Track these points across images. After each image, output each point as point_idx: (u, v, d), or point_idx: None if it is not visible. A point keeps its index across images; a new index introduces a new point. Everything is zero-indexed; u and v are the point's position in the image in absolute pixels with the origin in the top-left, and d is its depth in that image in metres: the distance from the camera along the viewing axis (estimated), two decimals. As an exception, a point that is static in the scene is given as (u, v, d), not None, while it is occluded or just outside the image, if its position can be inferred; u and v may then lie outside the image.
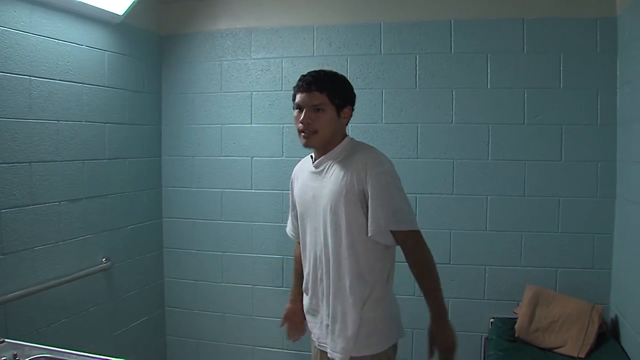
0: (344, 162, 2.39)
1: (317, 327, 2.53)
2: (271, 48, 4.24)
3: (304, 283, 2.62)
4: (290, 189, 2.73)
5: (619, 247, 3.73)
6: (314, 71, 2.44)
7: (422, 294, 2.46)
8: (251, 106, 4.27)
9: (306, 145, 2.41)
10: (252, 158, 4.28)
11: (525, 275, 3.89)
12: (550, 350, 3.49)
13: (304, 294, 2.64)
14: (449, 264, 3.99)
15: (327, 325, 2.44)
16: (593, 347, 3.40)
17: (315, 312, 2.54)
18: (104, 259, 3.84)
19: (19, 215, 3.13)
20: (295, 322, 2.82)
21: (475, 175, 3.93)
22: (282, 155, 4.21)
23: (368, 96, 4.04)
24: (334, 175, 2.39)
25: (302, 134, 2.38)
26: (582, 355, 3.36)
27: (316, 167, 2.46)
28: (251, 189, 4.28)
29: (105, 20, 3.80)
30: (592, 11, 3.77)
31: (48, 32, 3.33)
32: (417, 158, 4.00)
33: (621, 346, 3.45)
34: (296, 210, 2.63)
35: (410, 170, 3.99)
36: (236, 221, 4.32)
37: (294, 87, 2.46)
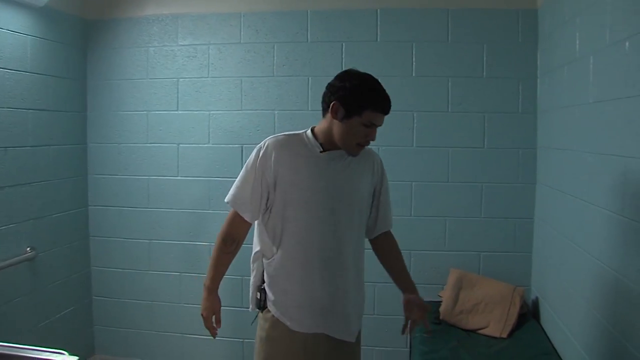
0: (357, 158, 2.50)
1: (298, 312, 2.47)
2: (198, 34, 4.21)
3: (285, 268, 2.46)
4: (263, 167, 2.41)
5: (539, 231, 3.84)
6: (383, 90, 2.44)
7: (398, 275, 2.73)
8: (178, 93, 4.23)
9: (355, 155, 2.47)
10: (178, 145, 4.25)
11: (449, 259, 3.98)
12: (473, 331, 3.59)
13: (280, 281, 2.49)
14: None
15: (335, 312, 2.48)
16: (515, 328, 3.52)
17: (311, 299, 2.46)
18: (28, 248, 3.77)
19: (-61, 205, 3.04)
20: (218, 316, 2.62)
21: (400, 161, 3.98)
22: (209, 142, 4.19)
23: (294, 83, 4.05)
24: (350, 166, 2.48)
25: (359, 146, 2.43)
26: (504, 336, 3.46)
27: (329, 156, 2.44)
28: (177, 176, 4.24)
29: (28, 4, 3.68)
30: (515, 3, 3.87)
31: (-34, 16, 3.23)
32: (343, 145, 4.02)
33: (541, 326, 3.58)
34: (267, 190, 2.43)
35: (336, 157, 4.02)
36: (163, 208, 4.28)
37: (365, 101, 2.37)
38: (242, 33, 4.14)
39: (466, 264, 3.96)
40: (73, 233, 4.30)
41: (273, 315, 2.48)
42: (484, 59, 3.91)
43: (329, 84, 2.44)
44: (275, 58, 4.09)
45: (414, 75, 3.97)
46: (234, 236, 2.49)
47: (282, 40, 4.09)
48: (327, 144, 2.44)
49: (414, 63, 3.97)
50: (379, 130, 3.84)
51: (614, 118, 2.46)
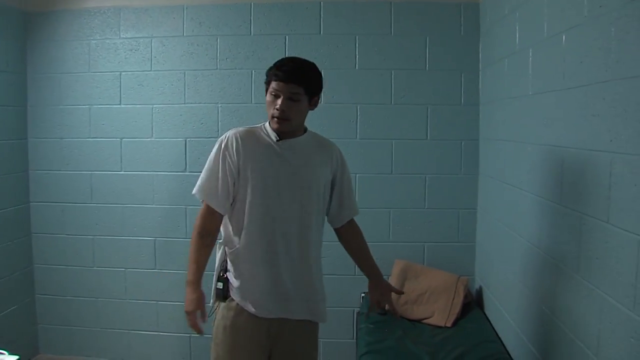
0: (314, 148, 2.59)
1: (261, 297, 2.52)
2: (140, 27, 4.16)
3: (244, 256, 2.52)
4: (227, 156, 2.47)
5: (482, 221, 3.91)
6: (291, 60, 2.48)
7: (364, 262, 2.89)
8: (120, 86, 4.18)
9: (278, 130, 2.48)
10: (121, 139, 4.19)
11: (394, 250, 4.02)
12: (419, 321, 3.64)
13: (240, 268, 2.53)
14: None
15: (285, 294, 2.54)
16: (459, 317, 3.58)
17: (266, 283, 2.52)
18: (-34, 246, 3.68)
19: None
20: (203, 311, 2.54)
21: (344, 153, 3.97)
22: (152, 136, 4.15)
23: (238, 77, 4.04)
24: (308, 158, 2.56)
25: (275, 119, 2.44)
26: (449, 325, 3.52)
27: (283, 146, 2.51)
28: (121, 171, 4.19)
29: (-36, -5, 3.61)
30: (457, -4, 3.93)
31: None
32: (286, 137, 4.02)
33: (485, 314, 3.65)
34: (232, 179, 2.49)
35: (280, 149, 4.02)
36: (107, 204, 4.23)
37: (270, 72, 2.46)
38: (185, 26, 4.11)
39: (411, 254, 4.00)
40: (14, 230, 4.21)
41: (237, 304, 2.51)
42: (427, 51, 3.96)
43: (311, 73, 2.53)
44: (218, 51, 4.07)
45: (357, 68, 4.00)
46: (209, 230, 2.50)
47: (225, 33, 4.07)
48: (283, 133, 2.51)
49: (357, 56, 3.99)
50: (322, 122, 3.92)
51: (552, 109, 2.52)
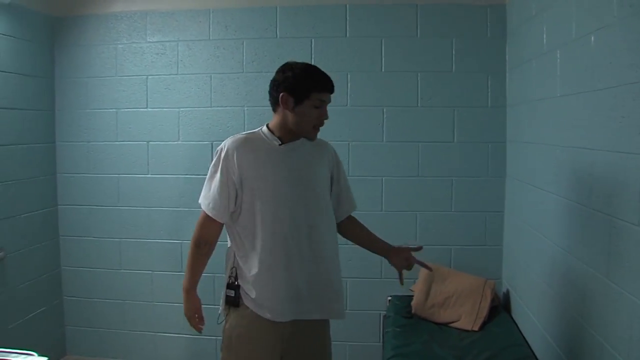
0: (311, 147, 2.60)
1: (275, 301, 2.51)
2: (167, 31, 4.18)
3: (258, 262, 2.49)
4: (228, 168, 2.47)
5: (509, 224, 3.88)
6: (320, 70, 2.55)
7: (375, 245, 2.89)
8: (147, 90, 4.20)
9: (313, 139, 2.59)
10: (148, 143, 4.22)
11: (420, 253, 3.94)
12: (445, 324, 3.60)
13: (267, 275, 2.51)
14: (346, 244, 3.97)
15: (311, 296, 2.55)
16: (486, 320, 3.54)
17: (290, 288, 2.51)
18: (-4, 249, 3.71)
19: None
20: (200, 314, 2.64)
21: (370, 157, 4.00)
22: (178, 139, 4.17)
23: (264, 80, 3.89)
24: (309, 155, 2.59)
25: (316, 129, 2.56)
26: (476, 329, 3.49)
27: (288, 148, 2.54)
28: (148, 174, 4.21)
29: (-6, 2, 3.65)
30: (484, -2, 3.91)
31: None
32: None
33: (512, 318, 3.62)
34: (234, 190, 2.49)
35: (307, 152, 4.03)
36: (133, 207, 4.25)
37: (311, 84, 2.48)
38: (211, 29, 4.12)
39: (437, 258, 3.96)
40: (43, 233, 4.25)
41: (252, 311, 2.50)
42: (453, 53, 3.94)
43: (272, 80, 2.54)
44: (244, 54, 4.08)
45: (383, 70, 3.99)
46: (206, 239, 2.53)
47: (251, 37, 4.08)
48: (284, 136, 2.53)
49: (383, 58, 3.98)
50: (349, 125, 3.91)
51: (581, 111, 2.49)
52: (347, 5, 3.98)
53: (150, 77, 4.19)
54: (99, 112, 4.29)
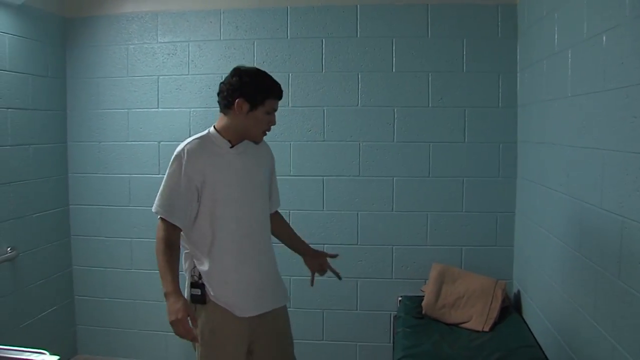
0: (253, 147, 2.71)
1: (241, 298, 2.63)
2: (178, 32, 4.19)
3: (218, 262, 2.60)
4: (184, 172, 2.53)
5: (520, 225, 3.87)
6: (270, 76, 2.68)
7: (294, 242, 3.11)
8: (158, 90, 4.22)
9: (258, 143, 2.71)
10: (159, 143, 4.23)
11: (431, 254, 4.00)
12: (456, 325, 3.59)
13: (228, 276, 2.61)
14: (356, 244, 4.05)
15: (260, 290, 2.70)
16: (497, 321, 3.52)
17: (242, 284, 2.63)
18: (9, 249, 3.74)
19: None
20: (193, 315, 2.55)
21: (381, 157, 4.00)
22: (190, 139, 4.16)
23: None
24: (254, 156, 2.72)
25: (264, 133, 2.69)
26: (487, 329, 3.47)
27: (237, 150, 2.65)
28: (159, 174, 4.21)
29: (6, 2, 3.66)
30: (494, -2, 3.90)
31: (-56, 14, 3.20)
32: (323, 141, 4.05)
33: (523, 319, 3.60)
34: (192, 193, 2.55)
35: (317, 153, 4.06)
36: (144, 207, 4.24)
37: (265, 91, 2.60)
38: (222, 30, 4.13)
39: (448, 258, 3.97)
40: (54, 232, 4.27)
41: (220, 307, 2.58)
42: (464, 53, 3.93)
43: (225, 82, 2.62)
44: (255, 55, 4.09)
45: (394, 70, 3.98)
46: (173, 241, 2.54)
47: (262, 37, 4.08)
48: (233, 139, 2.63)
49: (394, 58, 3.98)
50: (360, 125, 3.93)
51: (592, 111, 2.48)
52: (358, 6, 3.98)
53: (161, 77, 4.20)
54: (110, 112, 4.31)
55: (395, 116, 3.98)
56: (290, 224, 3.91)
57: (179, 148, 2.57)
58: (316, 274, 3.07)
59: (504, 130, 3.92)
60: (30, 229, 3.99)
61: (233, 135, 2.63)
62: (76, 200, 4.41)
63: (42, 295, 4.11)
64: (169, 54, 4.20)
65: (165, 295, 2.46)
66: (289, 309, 3.95)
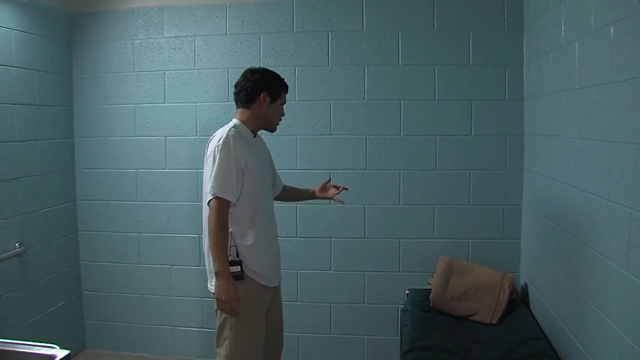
0: (260, 138, 3.11)
1: (275, 270, 3.07)
2: (183, 26, 4.19)
3: (260, 239, 2.89)
4: (236, 157, 2.75)
5: (527, 218, 3.86)
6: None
7: (300, 191, 3.47)
8: (164, 85, 4.22)
9: (274, 131, 3.10)
10: (166, 137, 4.24)
11: (438, 246, 4.00)
12: (464, 318, 3.59)
13: (263, 248, 2.92)
14: (363, 238, 4.06)
15: (279, 263, 3.17)
16: (504, 314, 3.52)
17: (275, 258, 3.08)
18: (17, 244, 3.76)
19: None
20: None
21: (387, 150, 4.00)
22: (196, 134, 4.18)
23: (281, 73, 3.91)
24: (262, 145, 3.13)
25: (279, 122, 3.08)
26: (494, 322, 3.47)
27: (256, 139, 3.02)
28: (166, 169, 4.23)
29: (13, -2, 3.69)
30: (500, -11, 3.87)
31: (-50, 10, 3.20)
32: (330, 134, 4.05)
33: (530, 311, 3.60)
34: (246, 175, 2.81)
35: (324, 146, 4.06)
36: (152, 201, 4.28)
37: (281, 86, 3.03)
38: (227, 24, 4.13)
39: (455, 251, 3.98)
40: (61, 228, 4.29)
41: (255, 282, 2.86)
42: (470, 46, 3.92)
43: (246, 80, 2.97)
44: (261, 49, 4.09)
45: (400, 64, 3.97)
46: (225, 222, 2.73)
47: (268, 31, 4.08)
48: (254, 130, 2.99)
49: (400, 51, 3.97)
50: (366, 119, 3.96)
51: (600, 103, 2.47)
52: (364, -1, 3.98)
53: (167, 72, 4.21)
54: (116, 107, 4.31)
55: (402, 109, 3.97)
56: (297, 218, 3.98)
57: (223, 137, 2.78)
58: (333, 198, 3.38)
59: (511, 122, 3.91)
60: (38, 225, 4.01)
61: (254, 126, 2.97)
62: (83, 195, 4.42)
63: (50, 290, 4.12)
64: (175, 49, 4.20)
65: (217, 274, 2.70)
66: (296, 303, 4.05)
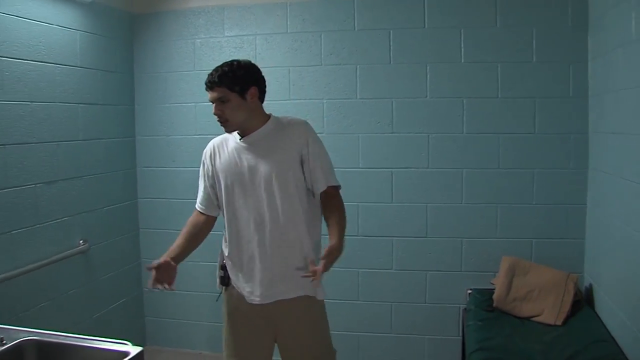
0: (277, 134, 2.68)
1: (249, 286, 2.71)
2: (244, 25, 4.21)
3: (230, 250, 2.78)
4: (205, 164, 2.83)
5: (592, 217, 3.80)
6: (214, 69, 2.66)
7: (332, 226, 2.68)
8: (225, 84, 4.23)
9: (228, 131, 2.74)
10: (227, 136, 4.25)
11: (501, 246, 3.95)
12: (527, 318, 3.55)
13: (230, 261, 2.79)
14: (425, 237, 4.03)
15: (271, 279, 2.68)
16: (569, 315, 3.47)
17: (251, 273, 2.69)
18: (81, 241, 3.82)
19: (-6, 199, 3.07)
20: (163, 276, 2.66)
21: (450, 149, 3.96)
22: (258, 132, 4.18)
23: (342, 72, 4.05)
24: (270, 146, 2.66)
25: (219, 123, 2.69)
26: (559, 323, 3.42)
27: (245, 142, 2.69)
28: (227, 167, 4.26)
29: (77, 0, 3.74)
30: (564, -15, 3.81)
31: (18, 12, 3.26)
32: (392, 133, 4.02)
33: (596, 313, 3.52)
34: (211, 183, 2.81)
35: (385, 145, 4.04)
36: (212, 200, 4.30)
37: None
38: (288, 23, 4.13)
39: (518, 251, 3.92)
40: (124, 225, 4.36)
41: (236, 290, 2.77)
42: (534, 43, 3.85)
43: (234, 72, 2.63)
44: (322, 47, 4.08)
45: (462, 61, 3.93)
46: (191, 221, 2.98)
47: (329, 29, 4.07)
48: (243, 131, 2.71)
49: (462, 49, 3.93)
50: (428, 117, 3.97)
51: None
52: (426, -4, 3.95)
53: (228, 71, 4.22)
54: (177, 106, 4.36)
55: (465, 107, 3.93)
56: (359, 217, 3.94)
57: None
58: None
59: (575, 120, 3.83)
60: (101, 222, 4.07)
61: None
62: (145, 193, 4.48)
63: (112, 287, 4.19)
64: (235, 48, 4.21)
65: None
66: (356, 302, 4.02)
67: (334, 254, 2.54)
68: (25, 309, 3.29)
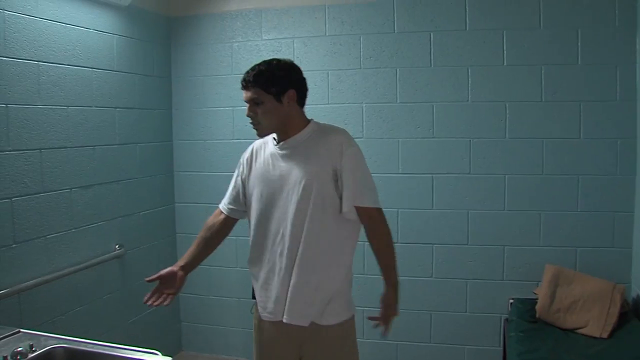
0: (313, 143, 2.46)
1: (269, 301, 2.51)
2: (282, 28, 4.18)
3: (250, 258, 2.62)
4: (241, 165, 2.70)
5: (640, 226, 3.67)
6: (251, 68, 2.50)
7: (381, 265, 2.54)
8: (263, 88, 4.21)
9: (259, 135, 2.57)
10: (264, 140, 4.23)
11: (544, 254, 3.85)
12: (571, 330, 3.45)
13: (250, 270, 2.63)
14: (466, 244, 3.94)
15: (286, 297, 2.45)
16: (615, 327, 3.35)
17: (268, 286, 2.51)
18: (117, 246, 3.82)
19: (31, 204, 3.08)
20: (167, 286, 2.58)
21: (492, 154, 3.87)
22: (295, 137, 4.14)
23: (382, 75, 3.98)
24: (304, 156, 2.45)
25: (252, 125, 2.53)
26: (605, 336, 3.31)
27: (281, 149, 2.51)
28: (264, 172, 4.23)
29: (114, 4, 3.74)
30: (611, -16, 3.69)
31: (56, 16, 3.27)
32: (432, 137, 3.95)
33: (644, 325, 3.41)
34: (242, 185, 2.68)
35: (426, 149, 3.97)
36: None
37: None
38: (327, 25, 4.09)
39: (562, 259, 3.81)
40: (160, 230, 4.35)
41: (257, 303, 2.62)
42: (579, 45, 3.75)
43: (271, 74, 2.46)
44: (361, 50, 4.03)
45: (505, 64, 3.84)
46: (208, 223, 2.82)
47: (368, 32, 4.02)
48: (280, 136, 2.54)
49: (504, 51, 3.84)
50: (470, 121, 3.90)
51: None
52: (467, -2, 3.87)
53: (266, 74, 4.19)
54: (215, 110, 4.35)
55: (507, 112, 3.84)
56: (398, 223, 3.88)
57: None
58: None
59: (623, 125, 3.72)
60: (137, 227, 4.07)
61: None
62: (181, 198, 4.48)
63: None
64: (273, 51, 4.18)
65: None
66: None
67: (392, 307, 2.51)
68: (60, 313, 3.29)
